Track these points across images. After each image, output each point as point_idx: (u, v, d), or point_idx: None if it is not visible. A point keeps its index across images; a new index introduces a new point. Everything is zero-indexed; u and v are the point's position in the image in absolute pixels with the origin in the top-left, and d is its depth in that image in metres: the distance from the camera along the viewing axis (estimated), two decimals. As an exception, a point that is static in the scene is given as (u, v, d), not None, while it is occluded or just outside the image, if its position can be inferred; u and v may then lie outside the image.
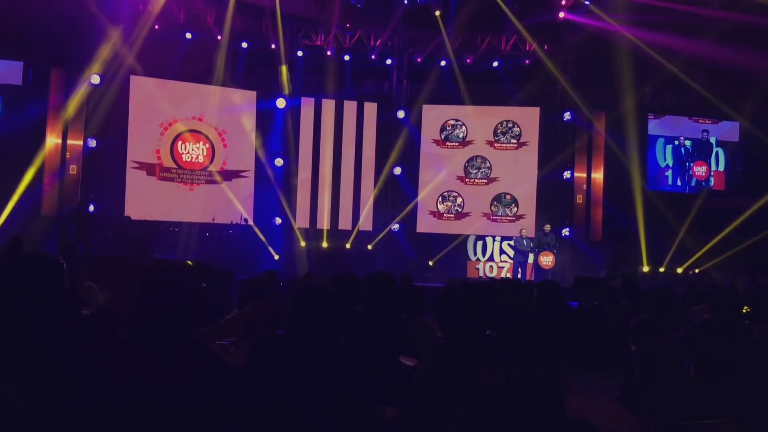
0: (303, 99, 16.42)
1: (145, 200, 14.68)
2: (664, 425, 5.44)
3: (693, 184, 17.26)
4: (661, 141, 17.21)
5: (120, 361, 2.59)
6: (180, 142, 15.34)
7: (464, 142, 17.01)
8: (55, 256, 2.91)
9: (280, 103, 15.98)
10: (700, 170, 17.26)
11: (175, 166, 15.29)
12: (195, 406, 2.54)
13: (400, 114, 16.64)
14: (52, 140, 14.18)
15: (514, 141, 16.91)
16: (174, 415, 2.51)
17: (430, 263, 15.62)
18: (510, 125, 16.92)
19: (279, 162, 15.96)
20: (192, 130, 15.47)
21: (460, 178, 16.95)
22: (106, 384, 2.59)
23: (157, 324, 2.54)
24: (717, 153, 17.32)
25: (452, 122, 17.03)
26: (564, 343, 5.21)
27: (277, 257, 14.39)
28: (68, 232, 12.67)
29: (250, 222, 15.04)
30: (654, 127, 17.17)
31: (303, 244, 15.71)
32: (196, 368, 2.59)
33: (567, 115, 16.53)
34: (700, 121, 17.22)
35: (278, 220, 15.47)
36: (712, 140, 17.29)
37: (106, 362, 2.62)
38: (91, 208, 13.46)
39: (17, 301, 2.67)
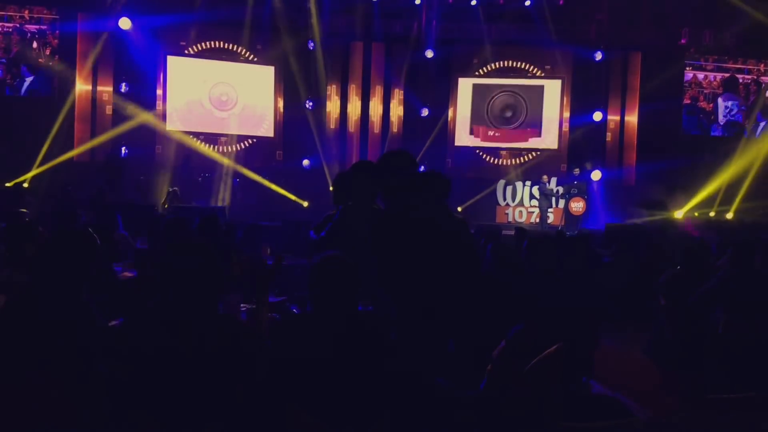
0: (331, 41, 16.18)
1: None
2: (692, 380, 5.47)
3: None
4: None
5: (148, 331, 2.63)
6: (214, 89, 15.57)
7: (493, 85, 16.72)
8: (89, 234, 2.94)
9: (312, 45, 15.84)
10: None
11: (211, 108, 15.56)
12: (226, 376, 2.59)
13: (429, 54, 16.32)
14: (81, 87, 14.22)
15: (545, 81, 16.57)
16: (204, 383, 2.56)
17: (459, 209, 15.52)
18: (541, 65, 16.56)
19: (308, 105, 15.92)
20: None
21: (491, 120, 16.73)
22: (134, 353, 2.67)
23: (181, 299, 2.58)
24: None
25: (483, 63, 16.70)
26: (594, 302, 5.19)
27: (306, 204, 14.42)
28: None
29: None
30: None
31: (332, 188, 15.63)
32: (224, 339, 2.62)
33: (598, 55, 16.04)
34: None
35: (306, 162, 15.49)
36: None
37: (135, 332, 2.67)
38: (123, 151, 13.60)
39: (57, 275, 2.75)
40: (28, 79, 14.09)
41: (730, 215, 14.96)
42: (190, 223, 5.55)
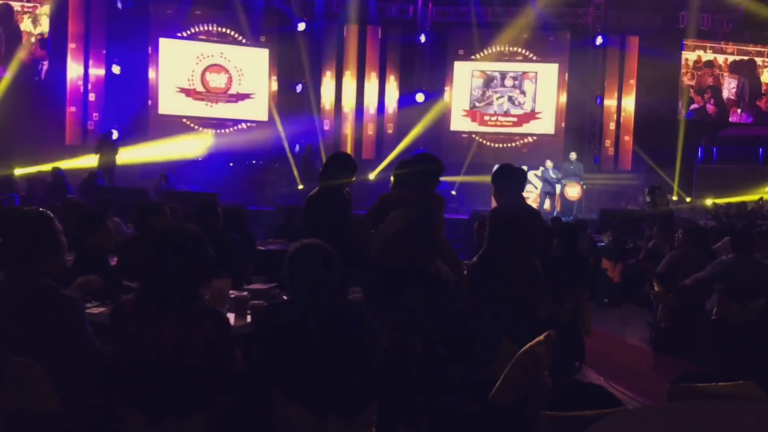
0: (325, 24, 16.03)
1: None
2: (685, 365, 5.43)
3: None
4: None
5: (133, 321, 2.56)
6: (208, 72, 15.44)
7: (489, 69, 16.59)
8: (40, 217, 2.72)
9: (301, 26, 15.70)
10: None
11: (204, 91, 15.42)
12: (209, 366, 2.53)
13: (422, 38, 16.21)
14: (74, 68, 14.07)
15: (541, 65, 16.44)
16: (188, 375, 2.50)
17: (453, 192, 15.39)
18: (538, 49, 16.43)
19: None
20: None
21: (487, 105, 16.62)
22: (114, 344, 2.60)
23: (164, 287, 2.51)
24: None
25: (479, 47, 16.55)
26: (586, 288, 5.14)
27: (301, 187, 14.32)
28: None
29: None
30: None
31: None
32: (208, 330, 2.56)
33: (599, 39, 15.92)
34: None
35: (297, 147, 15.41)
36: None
37: (118, 323, 2.60)
38: (115, 135, 13.42)
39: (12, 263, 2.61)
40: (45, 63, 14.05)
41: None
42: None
